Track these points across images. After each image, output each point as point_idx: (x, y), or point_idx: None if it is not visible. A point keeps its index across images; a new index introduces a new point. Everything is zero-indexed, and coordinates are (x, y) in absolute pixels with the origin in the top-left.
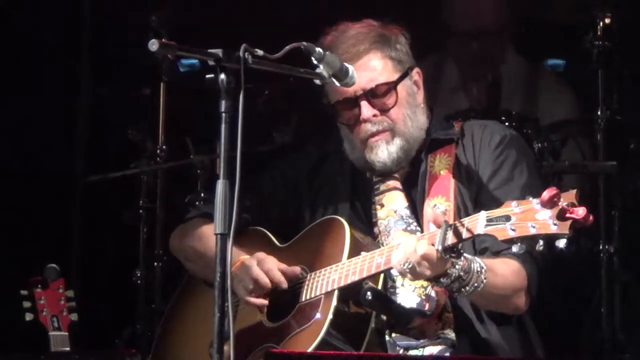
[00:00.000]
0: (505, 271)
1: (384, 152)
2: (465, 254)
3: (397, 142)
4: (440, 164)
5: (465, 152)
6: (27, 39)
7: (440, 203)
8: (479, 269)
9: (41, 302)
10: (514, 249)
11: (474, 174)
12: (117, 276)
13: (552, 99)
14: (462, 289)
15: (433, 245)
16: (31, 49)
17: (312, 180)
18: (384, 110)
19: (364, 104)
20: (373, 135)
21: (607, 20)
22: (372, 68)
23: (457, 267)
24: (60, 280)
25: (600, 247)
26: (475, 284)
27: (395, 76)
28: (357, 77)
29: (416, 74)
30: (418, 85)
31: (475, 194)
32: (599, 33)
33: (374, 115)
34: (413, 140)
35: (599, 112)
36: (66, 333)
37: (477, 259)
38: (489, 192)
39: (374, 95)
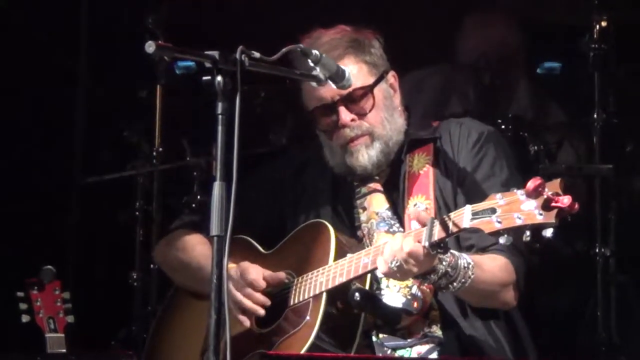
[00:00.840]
0: (493, 266)
1: (364, 156)
2: (452, 250)
3: (377, 146)
4: (419, 163)
5: (444, 150)
6: (24, 39)
7: (420, 202)
8: (466, 265)
9: (37, 303)
10: (501, 240)
11: (453, 171)
12: (113, 278)
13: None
14: (450, 285)
15: (419, 242)
16: (28, 49)
17: (295, 185)
18: (361, 115)
19: (342, 109)
20: (352, 140)
21: (604, 23)
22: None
23: (444, 263)
24: (56, 282)
25: (597, 250)
26: (463, 280)
27: (370, 80)
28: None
29: (392, 77)
30: (394, 88)
31: (455, 192)
32: (595, 36)
33: (352, 120)
34: (392, 143)
35: (595, 115)
36: (62, 335)
37: (464, 255)
38: (469, 189)
39: (351, 100)
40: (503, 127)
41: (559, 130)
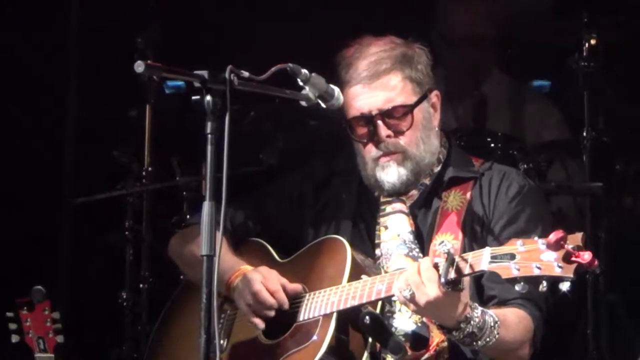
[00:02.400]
0: (516, 324)
1: (395, 173)
2: (482, 309)
3: (408, 165)
4: (454, 201)
5: (482, 195)
6: (13, 60)
7: (448, 240)
8: (492, 324)
9: (27, 323)
10: (517, 287)
11: (486, 219)
12: (103, 298)
13: (539, 121)
14: (474, 343)
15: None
16: (17, 70)
17: (318, 197)
18: (398, 132)
19: (380, 124)
20: (385, 155)
21: (593, 42)
22: (391, 88)
23: (472, 323)
24: (46, 302)
25: None
26: (487, 339)
27: (413, 99)
28: (374, 96)
29: (434, 97)
30: (435, 107)
31: (485, 238)
32: (584, 54)
33: (388, 136)
34: (424, 164)
35: (584, 133)
36: (52, 355)
37: (490, 312)
38: (499, 240)
39: (389, 116)
40: (492, 145)
41: (549, 149)
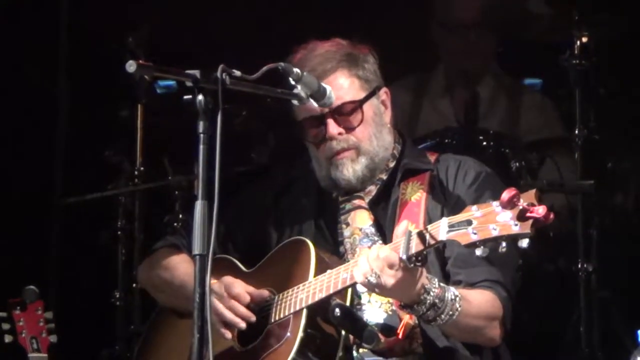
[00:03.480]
0: (480, 300)
1: (349, 170)
2: (440, 283)
3: (362, 161)
4: (412, 191)
5: (440, 183)
6: (4, 60)
7: (411, 230)
8: (453, 297)
9: (20, 323)
10: (477, 252)
11: (444, 206)
12: (95, 298)
13: (533, 117)
14: (437, 318)
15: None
16: (8, 71)
17: (278, 204)
18: (349, 129)
19: (330, 122)
20: (338, 153)
21: (584, 39)
22: (338, 86)
23: (431, 294)
24: (39, 302)
25: (579, 266)
26: (450, 312)
27: (361, 95)
28: None
29: (384, 94)
30: (385, 104)
31: None
32: (576, 52)
33: (340, 134)
34: (379, 160)
35: (576, 131)
36: (45, 355)
37: (451, 287)
38: None
39: (339, 113)
40: (484, 143)
41: (540, 147)
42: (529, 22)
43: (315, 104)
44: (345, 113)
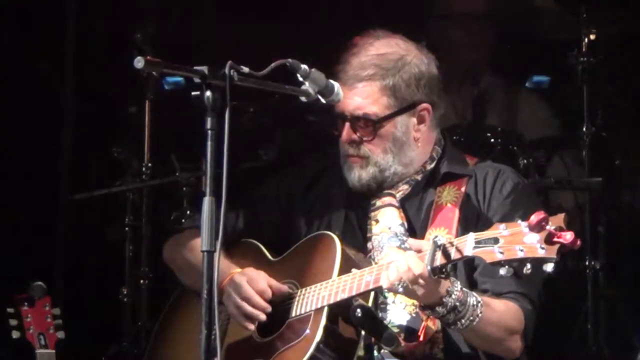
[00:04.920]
0: (503, 310)
1: (355, 175)
2: (463, 288)
3: (370, 171)
4: (448, 196)
5: (477, 191)
6: (11, 57)
7: (441, 234)
8: (474, 303)
9: (27, 320)
10: (501, 271)
11: (480, 215)
12: (103, 294)
13: (529, 117)
14: (458, 322)
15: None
16: (15, 67)
17: (308, 194)
18: (363, 139)
19: (347, 127)
20: (350, 156)
21: (592, 37)
22: (365, 96)
23: (453, 296)
24: (46, 298)
25: (586, 263)
26: (471, 318)
27: (386, 111)
28: (349, 98)
29: (423, 109)
30: (423, 120)
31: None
32: (583, 49)
33: (352, 141)
34: (390, 173)
35: (584, 129)
36: (53, 351)
37: (474, 293)
38: None
39: (356, 122)
40: (492, 140)
41: (548, 144)
42: (536, 18)
43: (323, 101)
44: (360, 125)
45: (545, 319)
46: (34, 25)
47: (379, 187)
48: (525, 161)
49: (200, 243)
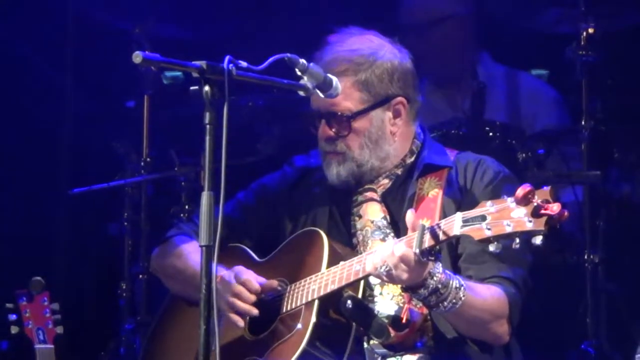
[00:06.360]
0: (486, 294)
1: (334, 171)
2: (445, 270)
3: (348, 166)
4: (430, 187)
5: (458, 180)
6: (11, 52)
7: (424, 224)
8: (457, 285)
9: (26, 314)
10: (491, 248)
11: (460, 204)
12: (101, 289)
13: (529, 105)
14: (440, 304)
15: (410, 247)
16: (15, 62)
17: (293, 194)
18: (338, 136)
19: (322, 123)
20: (327, 152)
21: (591, 31)
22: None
23: (434, 278)
24: (45, 293)
25: (585, 257)
26: (454, 300)
27: (359, 106)
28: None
29: (398, 103)
30: (398, 114)
31: None
32: (582, 43)
33: (328, 137)
34: (367, 168)
35: (582, 122)
36: (52, 346)
37: (458, 276)
38: None
39: (330, 119)
40: (491, 134)
41: (547, 138)
42: (535, 12)
43: (321, 95)
44: (334, 121)
45: (544, 313)
46: (35, 20)
47: (357, 182)
48: (524, 155)
49: (199, 238)
